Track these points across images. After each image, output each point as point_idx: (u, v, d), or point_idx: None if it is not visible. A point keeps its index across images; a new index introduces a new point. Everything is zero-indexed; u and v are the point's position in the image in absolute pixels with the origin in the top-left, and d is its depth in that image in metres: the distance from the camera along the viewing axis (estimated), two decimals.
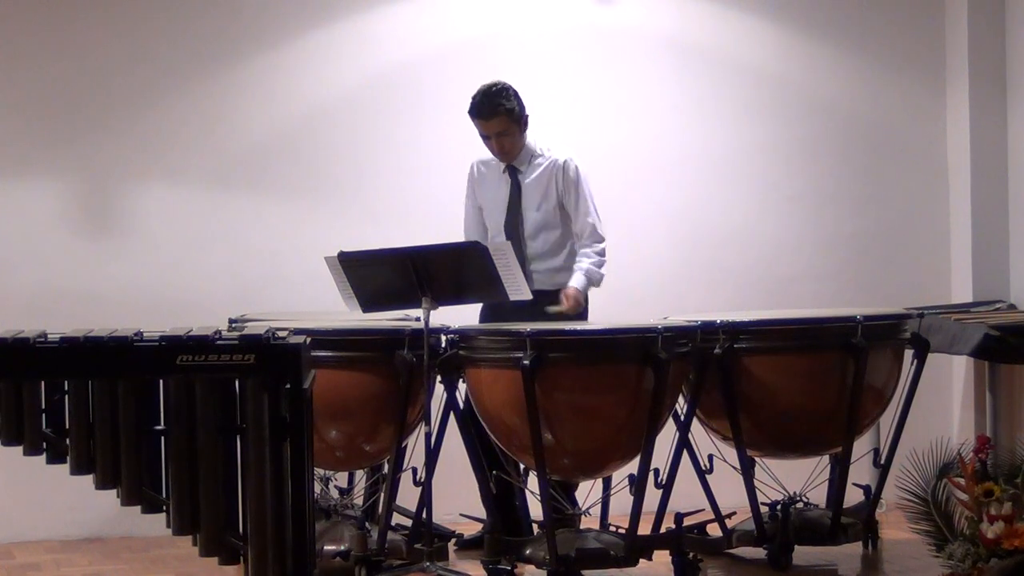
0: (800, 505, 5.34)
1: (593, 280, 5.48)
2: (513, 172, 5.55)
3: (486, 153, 5.59)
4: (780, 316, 5.41)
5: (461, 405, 5.12)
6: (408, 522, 5.26)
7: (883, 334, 5.26)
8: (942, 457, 4.96)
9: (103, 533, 5.93)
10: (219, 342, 3.79)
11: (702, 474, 5.27)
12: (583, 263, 5.48)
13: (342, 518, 5.22)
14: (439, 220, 5.82)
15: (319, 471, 5.28)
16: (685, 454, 5.19)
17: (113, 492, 3.82)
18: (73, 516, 5.87)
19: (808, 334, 5.21)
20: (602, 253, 5.51)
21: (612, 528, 5.17)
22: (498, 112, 5.41)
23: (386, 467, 5.25)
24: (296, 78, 6.18)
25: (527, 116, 5.50)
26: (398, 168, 6.23)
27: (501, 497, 5.18)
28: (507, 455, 5.10)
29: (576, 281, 5.44)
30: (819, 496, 5.47)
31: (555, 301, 5.42)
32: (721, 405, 5.19)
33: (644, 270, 6.36)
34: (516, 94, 5.46)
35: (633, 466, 4.97)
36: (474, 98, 5.43)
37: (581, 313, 5.52)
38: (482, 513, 5.28)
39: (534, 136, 5.57)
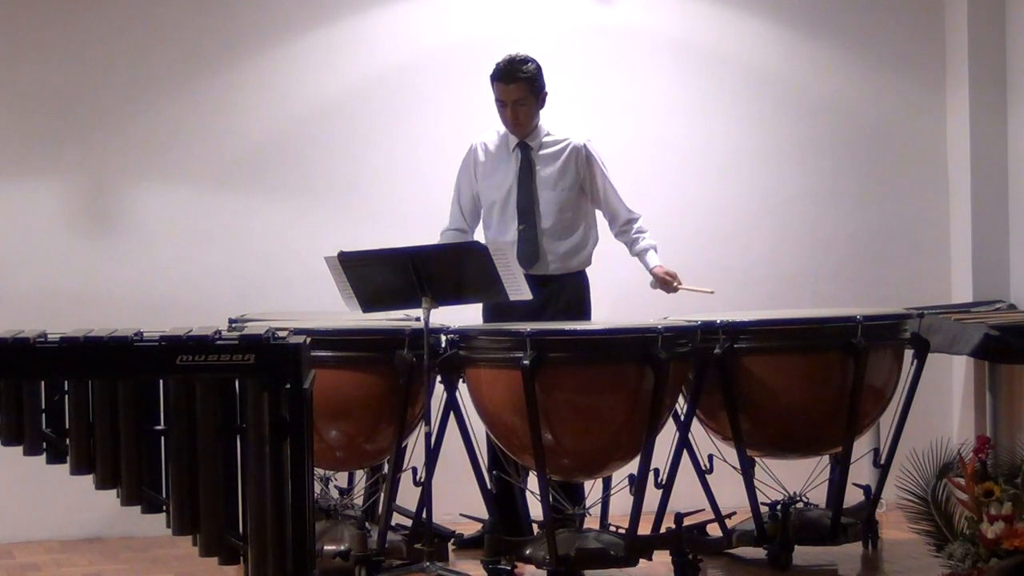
0: (800, 505, 5.33)
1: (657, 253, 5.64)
2: (525, 149, 5.56)
3: (488, 137, 5.61)
4: (780, 316, 5.41)
5: (462, 405, 5.12)
6: (408, 522, 5.26)
7: (883, 334, 5.26)
8: (942, 457, 4.96)
9: (103, 533, 5.93)
10: (219, 342, 3.79)
11: (702, 474, 5.27)
12: (645, 242, 5.62)
13: (342, 518, 5.22)
14: (438, 220, 5.81)
15: (319, 471, 5.28)
16: (685, 454, 5.19)
17: (113, 492, 3.82)
18: (73, 516, 5.87)
19: (808, 334, 5.21)
20: (644, 227, 5.66)
21: (612, 528, 5.17)
22: (518, 79, 5.43)
23: (386, 467, 5.26)
24: (295, 78, 6.18)
25: (546, 93, 5.53)
26: (398, 168, 6.24)
27: (501, 497, 5.19)
28: (507, 455, 5.10)
29: (653, 259, 5.60)
30: (819, 496, 5.47)
31: (561, 288, 5.50)
32: (721, 405, 5.19)
33: (644, 270, 6.35)
34: (539, 68, 5.49)
35: (633, 466, 4.97)
36: (498, 63, 5.48)
37: (584, 309, 5.55)
38: (482, 513, 5.28)
39: (546, 121, 5.59)
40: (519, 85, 5.44)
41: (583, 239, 5.57)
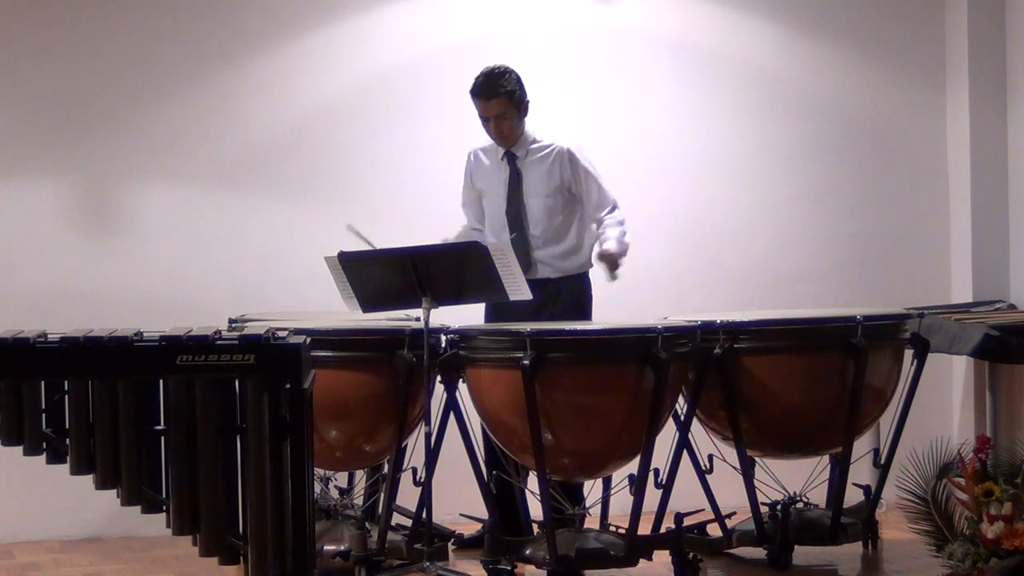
0: (800, 505, 5.33)
1: (623, 246, 5.46)
2: (511, 159, 5.55)
3: (484, 143, 5.60)
4: (780, 316, 5.40)
5: (462, 405, 5.12)
6: (408, 522, 5.25)
7: (883, 334, 5.26)
8: (942, 457, 4.96)
9: (103, 533, 5.93)
10: (219, 342, 3.79)
11: (702, 474, 5.28)
12: (612, 230, 5.46)
13: (342, 518, 5.23)
14: (438, 220, 5.82)
15: (319, 471, 5.28)
16: (685, 454, 5.19)
17: (113, 492, 3.82)
18: (73, 516, 5.87)
19: (808, 334, 5.21)
20: (623, 222, 5.51)
21: (612, 528, 5.17)
22: (498, 94, 5.41)
23: (386, 467, 5.26)
24: (296, 79, 6.18)
25: (527, 102, 5.50)
26: (398, 168, 6.23)
27: (501, 497, 5.18)
28: (507, 455, 5.10)
29: (609, 244, 5.42)
30: (819, 496, 5.47)
31: (561, 291, 5.48)
32: (721, 405, 5.19)
33: (644, 270, 6.34)
34: (518, 79, 5.46)
35: (633, 466, 4.97)
36: (476, 79, 5.45)
37: (584, 311, 5.54)
38: (482, 513, 5.28)
39: (533, 127, 5.57)
40: (499, 100, 5.42)
41: (577, 242, 5.55)
